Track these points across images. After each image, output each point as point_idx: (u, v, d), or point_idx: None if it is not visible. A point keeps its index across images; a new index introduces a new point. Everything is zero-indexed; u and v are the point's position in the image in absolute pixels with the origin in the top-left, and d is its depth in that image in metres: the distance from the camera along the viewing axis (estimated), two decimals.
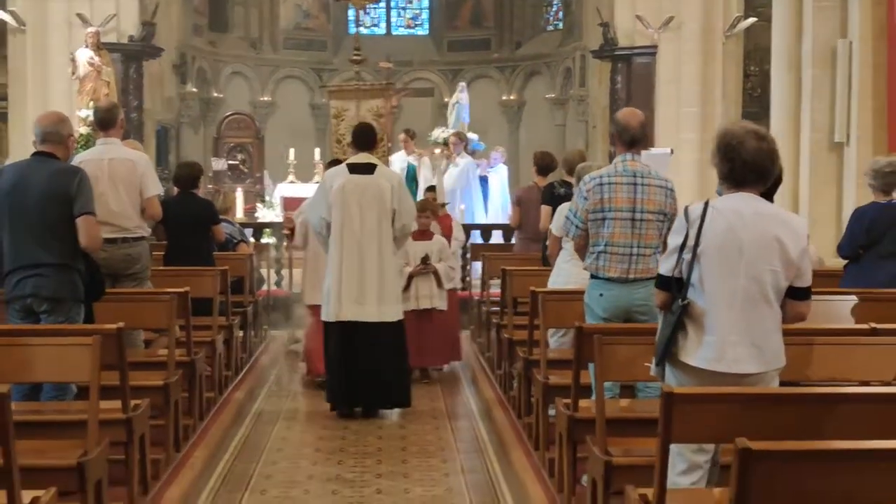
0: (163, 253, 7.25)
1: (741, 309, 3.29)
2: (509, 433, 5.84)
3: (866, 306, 4.91)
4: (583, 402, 4.34)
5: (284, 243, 10.21)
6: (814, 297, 3.51)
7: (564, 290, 5.59)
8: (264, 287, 10.13)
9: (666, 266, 3.41)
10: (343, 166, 6.27)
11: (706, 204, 3.35)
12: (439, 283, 7.35)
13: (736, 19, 13.89)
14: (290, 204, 12.17)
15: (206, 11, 19.24)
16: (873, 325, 4.00)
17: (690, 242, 3.31)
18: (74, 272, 4.64)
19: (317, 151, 15.85)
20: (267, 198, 15.06)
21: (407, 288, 7.17)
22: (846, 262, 6.12)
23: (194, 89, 18.54)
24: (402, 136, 13.34)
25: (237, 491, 4.66)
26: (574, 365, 4.31)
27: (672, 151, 11.09)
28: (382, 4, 21.65)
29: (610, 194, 4.68)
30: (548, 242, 6.19)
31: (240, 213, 13.29)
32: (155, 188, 5.94)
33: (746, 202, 3.32)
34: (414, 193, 10.60)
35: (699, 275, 3.31)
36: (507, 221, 10.32)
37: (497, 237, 11.34)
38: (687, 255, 3.32)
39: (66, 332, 4.15)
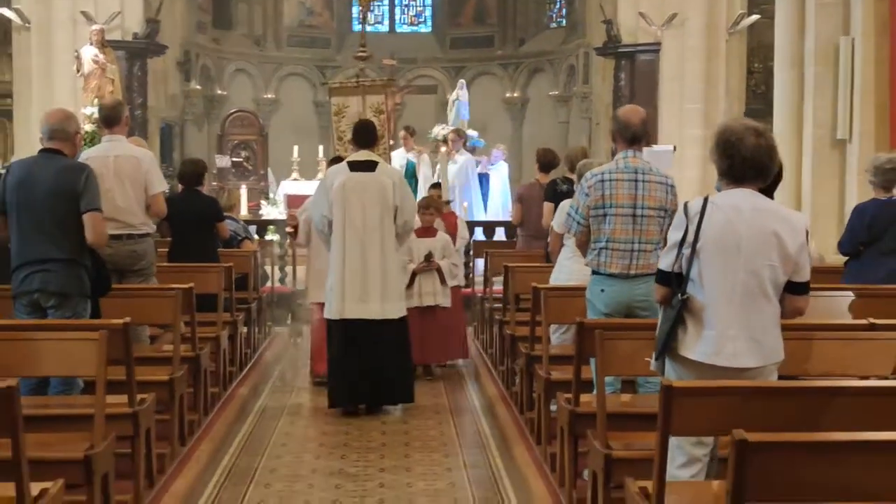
0: (167, 249, 7.29)
1: (740, 303, 3.32)
2: (512, 428, 5.87)
3: (865, 302, 4.94)
4: (584, 397, 4.37)
5: (287, 240, 10.25)
6: (812, 293, 3.55)
7: (566, 286, 5.62)
8: (268, 284, 10.18)
9: (665, 261, 3.45)
10: (344, 164, 6.27)
11: (705, 200, 3.38)
12: (443, 281, 7.38)
13: (739, 16, 13.91)
14: (294, 201, 12.22)
15: (210, 9, 19.29)
16: (872, 320, 4.03)
17: (690, 238, 3.35)
18: (81, 268, 4.68)
19: (320, 149, 15.90)
20: (271, 195, 15.11)
21: (410, 285, 7.20)
22: (847, 258, 6.15)
23: (198, 86, 18.60)
24: (401, 132, 13.37)
25: (241, 484, 4.71)
26: (575, 360, 4.35)
27: (675, 148, 11.13)
28: (386, 1, 21.69)
29: (611, 191, 4.71)
30: (549, 239, 6.22)
31: (244, 211, 13.34)
32: (160, 185, 5.99)
33: (745, 198, 3.36)
34: (413, 190, 10.62)
35: (698, 270, 3.35)
36: (507, 218, 10.35)
37: (500, 234, 11.38)
38: (686, 251, 3.36)
39: (73, 327, 4.19)
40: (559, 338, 5.98)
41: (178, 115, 17.87)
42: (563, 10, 20.05)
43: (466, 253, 9.75)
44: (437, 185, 9.50)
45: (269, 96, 20.20)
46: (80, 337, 3.94)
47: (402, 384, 6.21)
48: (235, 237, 8.42)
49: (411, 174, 12.27)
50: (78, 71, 12.54)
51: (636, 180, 4.72)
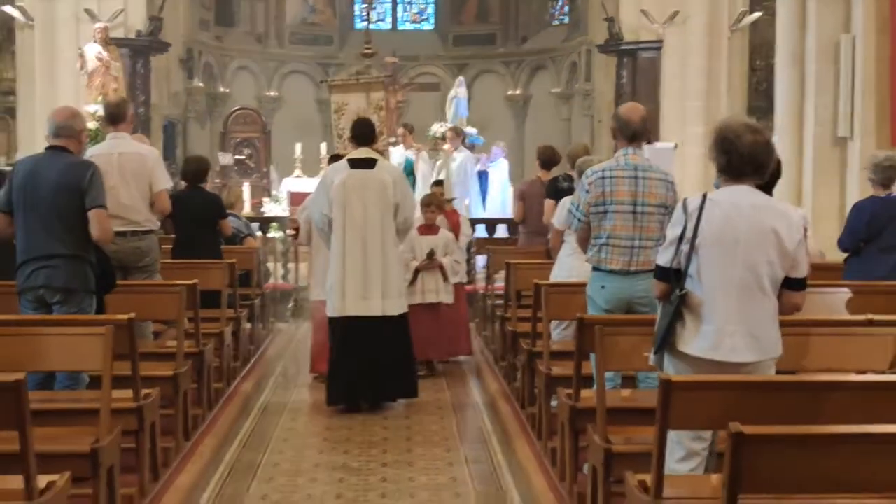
0: (171, 246, 7.33)
1: (738, 299, 3.36)
2: (513, 424, 5.91)
3: (865, 298, 4.97)
4: (584, 393, 4.41)
5: (289, 239, 10.29)
6: (811, 289, 3.58)
7: (567, 282, 5.65)
8: (271, 280, 10.22)
9: (664, 257, 3.48)
10: (344, 162, 6.28)
11: (704, 196, 3.42)
12: (445, 278, 7.41)
13: (741, 14, 13.94)
14: (297, 199, 12.25)
15: (213, 6, 19.32)
16: (871, 316, 4.07)
17: (688, 234, 3.38)
18: (86, 264, 4.73)
19: (323, 146, 15.91)
20: (273, 192, 15.14)
21: (413, 282, 7.24)
22: (847, 255, 6.18)
23: (201, 84, 18.63)
24: (400, 130, 13.40)
25: (245, 479, 4.75)
26: (576, 356, 4.39)
27: (677, 146, 11.16)
28: None
29: (612, 187, 4.74)
30: (549, 236, 6.26)
31: (247, 208, 13.37)
32: (164, 182, 6.03)
33: (743, 194, 3.39)
34: (412, 188, 10.65)
35: (697, 266, 3.39)
36: (507, 215, 10.37)
37: (501, 231, 11.41)
38: (685, 247, 3.40)
39: (78, 323, 4.24)
40: (560, 334, 6.02)
41: (181, 112, 17.91)
42: (566, 8, 20.07)
43: (468, 250, 9.79)
44: (439, 183, 9.53)
45: (272, 94, 20.23)
46: (87, 332, 3.99)
47: (403, 380, 6.24)
48: (238, 234, 8.46)
49: (409, 172, 12.30)
50: (81, 68, 12.58)
51: (636, 177, 4.75)
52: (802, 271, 3.43)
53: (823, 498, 2.80)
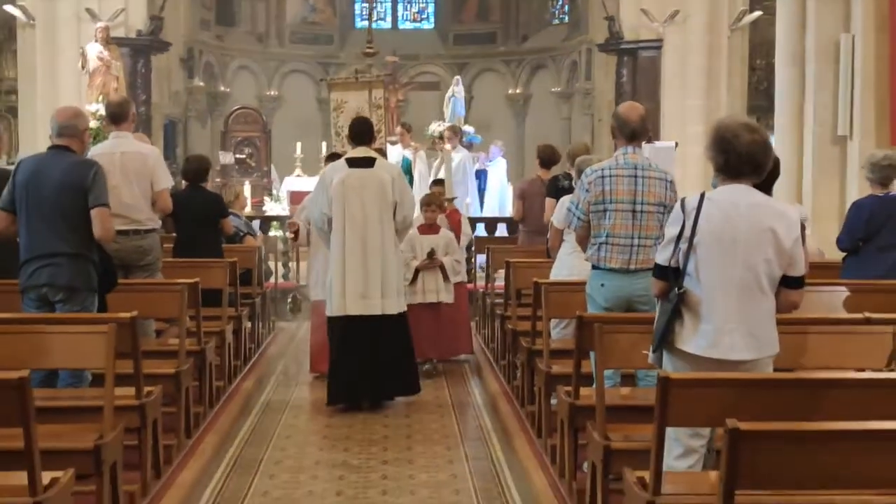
0: (172, 245, 7.36)
1: (736, 297, 3.38)
2: (513, 422, 5.94)
3: (862, 296, 5.00)
4: (584, 391, 4.43)
5: (289, 240, 10.32)
6: (809, 288, 3.60)
7: (567, 281, 5.67)
8: (271, 279, 10.25)
9: (663, 256, 3.51)
10: (342, 161, 6.28)
11: (702, 195, 3.44)
12: (445, 277, 7.43)
13: (741, 13, 13.96)
14: (297, 198, 12.27)
15: (213, 6, 19.35)
16: (868, 314, 4.09)
17: (687, 233, 3.40)
18: (89, 262, 4.75)
19: (323, 145, 15.92)
20: (274, 191, 15.17)
21: (414, 281, 7.25)
22: (845, 254, 6.21)
23: (201, 83, 18.66)
24: (398, 129, 13.42)
25: (247, 476, 4.77)
26: (575, 354, 4.41)
27: (677, 145, 11.17)
28: None
29: (611, 186, 4.77)
30: (549, 235, 6.28)
31: (247, 207, 13.40)
32: (166, 181, 6.06)
33: (741, 193, 3.41)
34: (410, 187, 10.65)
35: (695, 264, 3.41)
36: (504, 215, 10.38)
37: (502, 230, 11.43)
38: (683, 245, 3.42)
39: (81, 321, 4.26)
40: (560, 332, 6.04)
41: (182, 111, 17.94)
42: (566, 7, 20.10)
43: (468, 249, 9.81)
44: (439, 182, 9.54)
45: (272, 93, 20.26)
46: (89, 330, 4.01)
47: (403, 377, 6.26)
48: (238, 233, 8.49)
49: (407, 171, 12.31)
50: (83, 68, 12.61)
51: (636, 176, 4.78)
52: (800, 270, 3.46)
53: (820, 494, 2.83)
